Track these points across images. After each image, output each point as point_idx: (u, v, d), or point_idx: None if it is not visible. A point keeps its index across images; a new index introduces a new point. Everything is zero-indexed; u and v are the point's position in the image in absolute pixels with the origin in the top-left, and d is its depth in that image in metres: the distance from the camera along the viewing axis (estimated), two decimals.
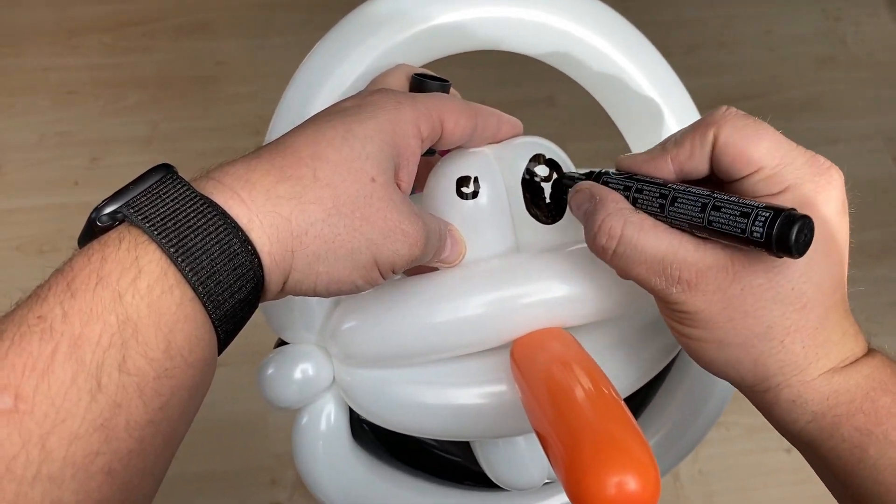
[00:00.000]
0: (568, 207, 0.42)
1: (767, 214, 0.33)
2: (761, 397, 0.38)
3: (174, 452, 0.33)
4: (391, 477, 0.54)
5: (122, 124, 1.46)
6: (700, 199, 0.35)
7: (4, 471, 0.27)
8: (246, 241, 0.33)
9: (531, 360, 0.42)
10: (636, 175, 0.39)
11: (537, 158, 0.44)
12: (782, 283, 0.35)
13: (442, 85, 0.45)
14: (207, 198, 0.33)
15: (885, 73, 1.59)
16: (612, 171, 0.41)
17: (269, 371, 0.48)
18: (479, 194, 0.43)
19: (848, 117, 1.52)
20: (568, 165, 0.45)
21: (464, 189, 0.43)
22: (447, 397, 0.46)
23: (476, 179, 0.43)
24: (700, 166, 0.37)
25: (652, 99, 0.51)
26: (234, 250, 0.32)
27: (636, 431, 0.35)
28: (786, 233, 0.32)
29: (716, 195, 0.35)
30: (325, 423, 0.50)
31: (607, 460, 0.33)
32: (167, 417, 0.31)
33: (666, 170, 0.38)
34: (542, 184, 0.44)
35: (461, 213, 0.44)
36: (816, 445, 0.37)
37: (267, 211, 0.33)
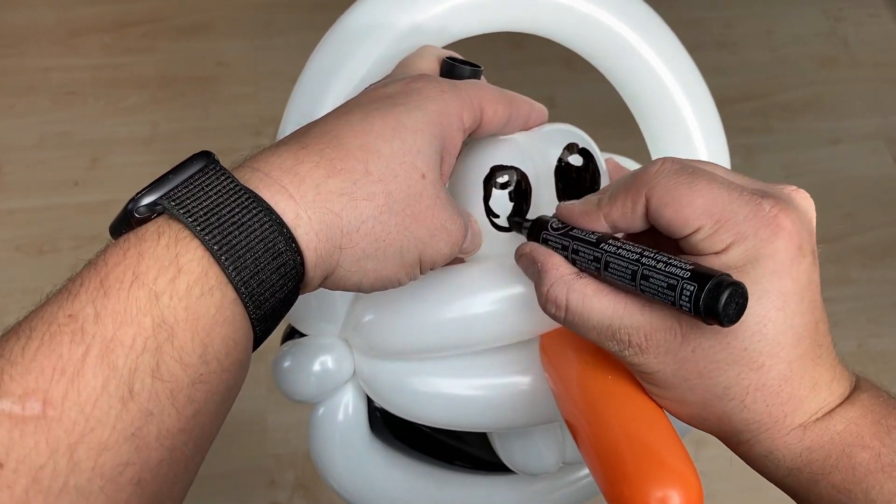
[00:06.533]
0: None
1: (692, 288, 0.31)
2: (735, 449, 0.36)
3: (204, 458, 0.31)
4: (408, 467, 0.53)
5: (122, 124, 1.45)
6: (630, 266, 0.33)
7: (31, 482, 0.25)
8: (291, 239, 0.31)
9: (565, 358, 0.41)
10: (573, 231, 0.37)
11: (571, 147, 0.43)
12: (733, 345, 0.33)
13: (474, 70, 0.43)
14: (253, 192, 0.31)
15: (885, 73, 1.59)
16: (552, 222, 0.39)
17: (286, 364, 0.47)
18: (508, 185, 0.42)
19: (849, 117, 1.52)
20: (597, 153, 0.44)
21: (498, 178, 0.42)
22: (468, 389, 0.46)
23: (512, 168, 0.42)
24: (635, 225, 0.36)
25: (672, 94, 0.50)
26: (279, 248, 0.31)
27: (678, 442, 0.35)
28: (713, 305, 0.30)
29: (644, 260, 0.33)
30: (342, 413, 0.49)
31: (650, 474, 0.33)
32: (199, 424, 0.29)
33: (601, 226, 0.36)
34: (574, 174, 0.43)
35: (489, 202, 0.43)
36: (799, 497, 0.35)
37: (317, 207, 0.32)
